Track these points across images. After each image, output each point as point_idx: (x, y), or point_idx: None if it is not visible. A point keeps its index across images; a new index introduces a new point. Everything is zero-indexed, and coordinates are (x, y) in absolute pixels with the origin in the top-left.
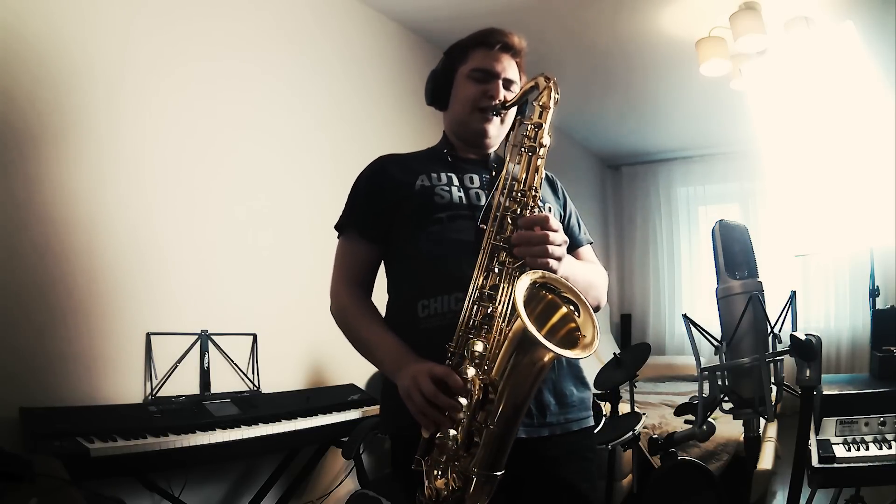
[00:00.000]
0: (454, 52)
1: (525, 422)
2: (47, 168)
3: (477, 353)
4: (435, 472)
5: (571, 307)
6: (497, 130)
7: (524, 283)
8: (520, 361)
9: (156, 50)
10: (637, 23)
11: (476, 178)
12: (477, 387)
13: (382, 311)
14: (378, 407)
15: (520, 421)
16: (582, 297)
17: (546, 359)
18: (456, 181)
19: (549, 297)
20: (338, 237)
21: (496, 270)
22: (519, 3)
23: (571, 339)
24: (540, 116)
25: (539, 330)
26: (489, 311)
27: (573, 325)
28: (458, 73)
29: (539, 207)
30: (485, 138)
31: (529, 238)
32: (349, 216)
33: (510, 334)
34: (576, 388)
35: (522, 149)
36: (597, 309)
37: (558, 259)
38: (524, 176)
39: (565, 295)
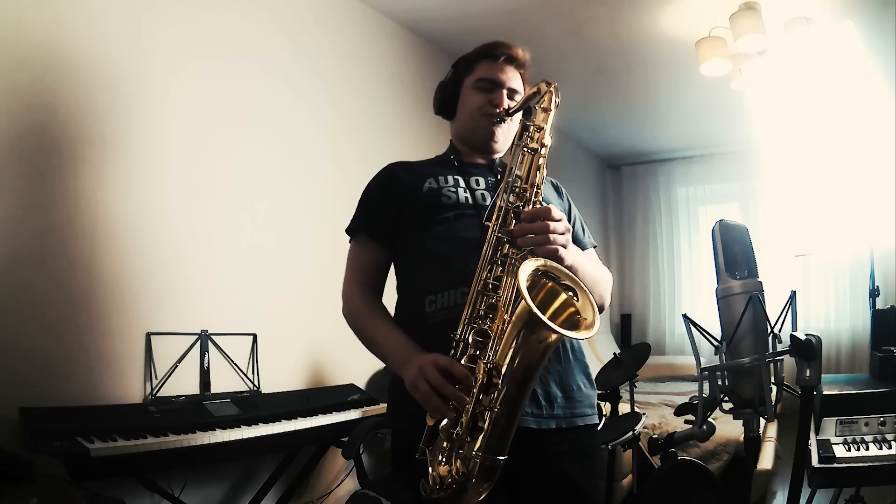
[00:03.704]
0: (461, 64)
1: (534, 412)
2: (48, 171)
3: (481, 340)
4: (439, 458)
5: (570, 293)
6: (503, 135)
7: (527, 268)
8: (524, 343)
9: (154, 51)
10: (637, 23)
11: (482, 180)
12: (481, 371)
13: (392, 311)
14: (378, 407)
15: (524, 404)
16: (580, 282)
17: (549, 339)
18: (462, 183)
19: (550, 284)
20: (349, 241)
21: (499, 263)
22: (519, 4)
23: (572, 321)
24: (542, 119)
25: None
26: (493, 300)
27: (573, 308)
28: (464, 83)
29: (541, 203)
30: (492, 141)
31: (531, 228)
32: (360, 220)
33: (514, 317)
34: (583, 385)
35: (525, 149)
36: (601, 309)
37: (563, 246)
38: (526, 174)
39: (564, 282)
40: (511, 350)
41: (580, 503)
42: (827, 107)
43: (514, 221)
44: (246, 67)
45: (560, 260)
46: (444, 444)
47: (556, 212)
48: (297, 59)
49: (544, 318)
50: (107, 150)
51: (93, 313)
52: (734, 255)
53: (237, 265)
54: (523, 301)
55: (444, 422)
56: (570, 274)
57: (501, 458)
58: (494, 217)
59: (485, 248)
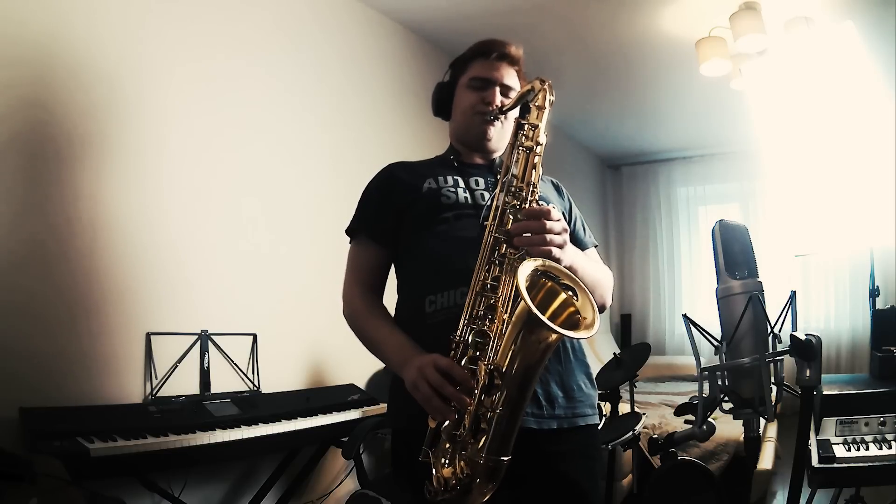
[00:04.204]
0: (456, 64)
1: (535, 412)
2: (47, 170)
3: (481, 341)
4: (442, 460)
5: (570, 292)
6: (498, 134)
7: (526, 268)
8: (524, 343)
9: (154, 51)
10: (637, 23)
11: (481, 180)
12: (482, 372)
13: (392, 312)
14: (378, 407)
15: (525, 404)
16: (579, 281)
17: (549, 339)
18: (462, 183)
19: (549, 284)
20: (349, 242)
21: (498, 262)
22: (519, 4)
23: (572, 321)
24: (536, 117)
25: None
26: (492, 301)
27: (573, 308)
28: (459, 83)
29: (537, 202)
30: (485, 140)
31: (528, 228)
32: (360, 221)
33: (514, 318)
34: (584, 385)
35: (521, 148)
36: (602, 309)
37: (559, 246)
38: (522, 172)
39: (564, 282)
40: (511, 350)
41: (581, 503)
42: (827, 107)
43: (511, 221)
44: (246, 67)
45: (556, 260)
46: (447, 446)
47: (554, 212)
48: (297, 59)
49: (543, 318)
50: (106, 150)
51: (93, 313)
52: (734, 255)
53: (237, 265)
54: (522, 301)
55: (446, 423)
56: (570, 273)
57: (505, 458)
58: (491, 217)
59: (482, 249)
